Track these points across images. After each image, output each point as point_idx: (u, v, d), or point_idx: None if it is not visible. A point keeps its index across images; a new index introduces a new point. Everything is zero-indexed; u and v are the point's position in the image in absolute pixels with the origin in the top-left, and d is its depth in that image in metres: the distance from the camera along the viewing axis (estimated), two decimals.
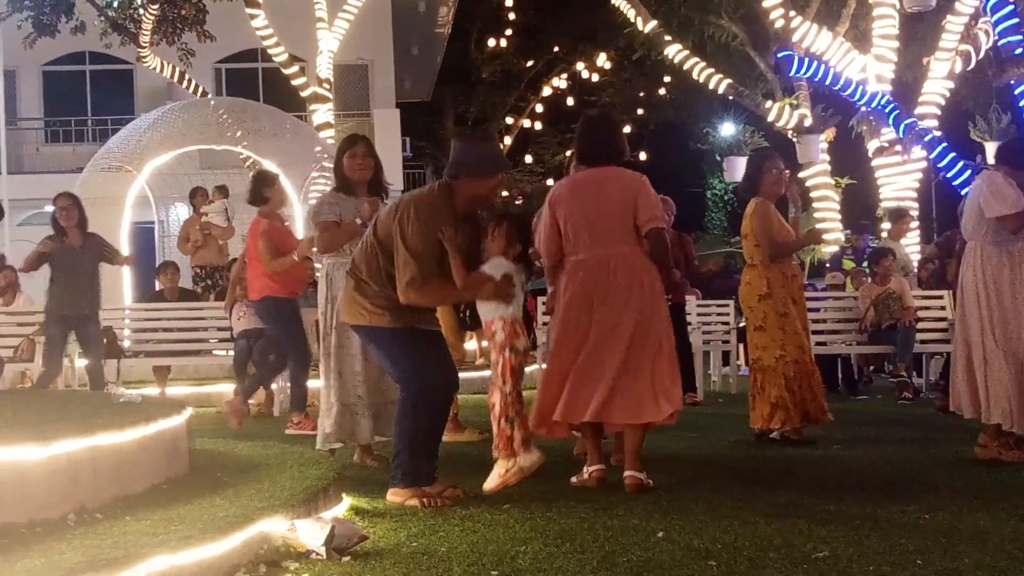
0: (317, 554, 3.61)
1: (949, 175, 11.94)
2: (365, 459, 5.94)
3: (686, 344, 9.45)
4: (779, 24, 13.91)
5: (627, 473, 4.90)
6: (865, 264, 11.59)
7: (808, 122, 14.20)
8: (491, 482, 4.78)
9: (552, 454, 5.43)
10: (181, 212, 14.16)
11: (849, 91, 13.14)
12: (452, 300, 4.78)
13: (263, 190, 7.64)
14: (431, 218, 4.64)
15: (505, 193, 23.78)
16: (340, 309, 5.11)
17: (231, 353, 9.61)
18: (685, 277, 9.53)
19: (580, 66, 24.87)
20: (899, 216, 11.33)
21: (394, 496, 4.66)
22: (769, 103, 14.82)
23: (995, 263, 5.66)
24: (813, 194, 14.67)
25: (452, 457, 6.11)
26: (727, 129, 19.28)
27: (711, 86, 15.04)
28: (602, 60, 24.09)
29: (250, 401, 9.28)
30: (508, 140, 26.76)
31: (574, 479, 5.13)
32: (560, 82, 25.84)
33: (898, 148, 13.28)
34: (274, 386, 9.30)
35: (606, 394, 4.92)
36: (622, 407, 4.94)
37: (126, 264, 9.18)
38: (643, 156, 24.00)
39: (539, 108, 26.56)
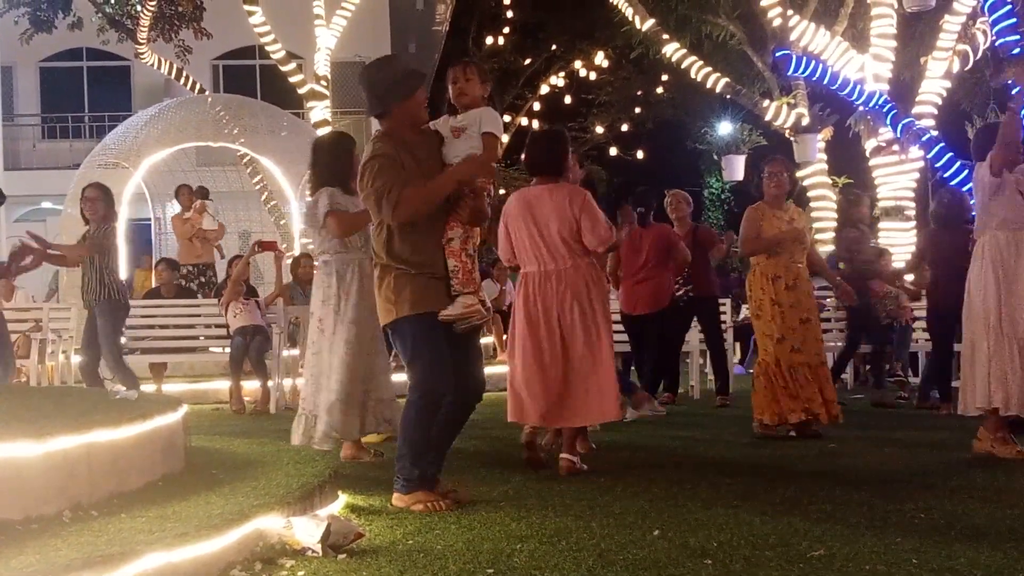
0: (313, 551, 3.61)
1: (946, 175, 11.93)
2: (360, 455, 5.94)
3: (719, 340, 9.46)
4: (777, 23, 13.90)
5: (562, 455, 5.36)
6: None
7: (806, 121, 14.18)
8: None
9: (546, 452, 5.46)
10: (177, 209, 14.16)
11: (847, 90, 13.13)
12: (437, 193, 4.49)
13: None
14: (383, 160, 4.46)
15: (503, 191, 23.76)
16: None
17: (227, 350, 9.62)
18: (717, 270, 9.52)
19: (578, 64, 24.83)
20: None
21: (398, 501, 4.56)
22: (767, 102, 14.80)
23: (1005, 251, 5.70)
24: (810, 193, 14.68)
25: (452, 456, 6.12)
26: (724, 128, 19.24)
27: (709, 85, 15.01)
28: (600, 58, 24.03)
29: (246, 399, 9.31)
30: (505, 138, 26.76)
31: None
32: (558, 80, 25.80)
33: (895, 148, 13.26)
34: (270, 383, 9.31)
35: (552, 402, 5.34)
36: (564, 414, 5.38)
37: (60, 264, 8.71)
38: (640, 155, 23.98)
39: (537, 106, 26.51)
